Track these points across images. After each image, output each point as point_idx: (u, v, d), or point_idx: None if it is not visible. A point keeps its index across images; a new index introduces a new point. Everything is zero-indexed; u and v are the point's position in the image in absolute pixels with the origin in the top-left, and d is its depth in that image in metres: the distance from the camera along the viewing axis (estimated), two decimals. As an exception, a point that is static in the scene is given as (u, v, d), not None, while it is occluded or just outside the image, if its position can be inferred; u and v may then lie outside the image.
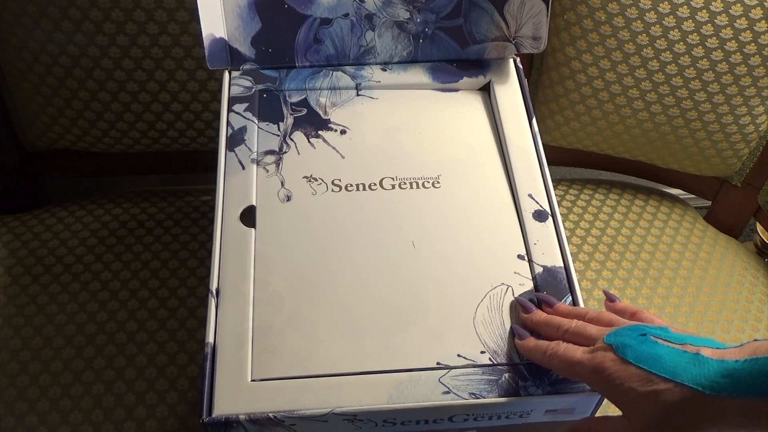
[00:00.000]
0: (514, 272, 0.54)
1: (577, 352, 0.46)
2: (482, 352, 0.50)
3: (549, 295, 0.53)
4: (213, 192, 0.57)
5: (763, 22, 0.74)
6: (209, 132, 0.85)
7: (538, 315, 0.51)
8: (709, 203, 0.95)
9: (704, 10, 0.75)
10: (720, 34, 0.75)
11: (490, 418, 0.50)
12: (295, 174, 0.59)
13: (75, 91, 0.80)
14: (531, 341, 0.50)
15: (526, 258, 0.55)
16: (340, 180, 0.58)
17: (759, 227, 1.01)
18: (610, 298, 0.53)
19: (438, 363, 0.50)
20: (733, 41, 0.75)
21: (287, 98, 0.63)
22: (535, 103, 0.88)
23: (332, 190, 0.58)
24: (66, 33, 0.75)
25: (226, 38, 0.62)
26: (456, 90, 0.65)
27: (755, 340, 0.42)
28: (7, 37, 0.77)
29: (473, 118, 0.64)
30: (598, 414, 0.52)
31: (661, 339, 0.44)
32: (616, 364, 0.44)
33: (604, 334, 0.46)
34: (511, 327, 0.52)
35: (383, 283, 0.53)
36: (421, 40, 0.65)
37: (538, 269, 0.54)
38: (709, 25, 0.75)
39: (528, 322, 0.51)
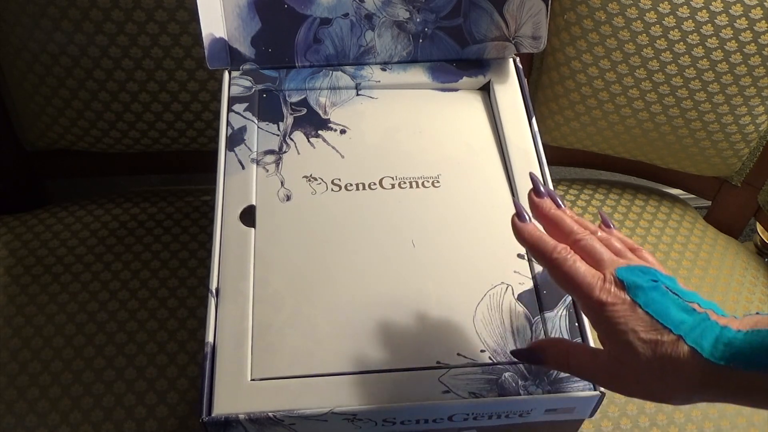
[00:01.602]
0: (514, 271, 0.54)
1: (587, 274, 0.43)
2: (482, 351, 0.50)
3: (556, 194, 0.48)
4: (213, 192, 0.57)
5: (763, 22, 0.74)
6: (209, 132, 0.85)
7: (549, 205, 0.47)
8: (709, 203, 0.95)
9: (704, 10, 0.75)
10: (720, 34, 0.75)
11: (490, 418, 0.50)
12: (294, 174, 0.59)
13: (75, 91, 0.80)
14: (533, 230, 0.45)
15: (525, 257, 0.55)
16: (339, 179, 0.58)
17: (759, 227, 1.01)
18: (605, 223, 0.48)
19: (438, 362, 0.50)
20: (733, 41, 0.75)
21: (287, 98, 0.63)
22: (535, 103, 0.88)
23: (332, 190, 0.58)
24: (66, 33, 0.75)
25: (226, 38, 0.62)
26: (456, 90, 0.65)
27: (757, 313, 0.41)
28: (7, 37, 0.77)
29: (473, 118, 0.64)
30: (597, 413, 0.52)
31: (672, 291, 0.43)
32: (625, 304, 0.42)
33: (616, 265, 0.44)
34: (514, 203, 0.47)
35: (383, 282, 0.53)
36: (420, 40, 0.65)
37: (538, 268, 0.54)
38: (709, 25, 0.75)
39: (535, 207, 0.47)
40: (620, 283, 0.43)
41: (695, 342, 0.40)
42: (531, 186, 0.48)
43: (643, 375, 0.42)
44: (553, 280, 0.45)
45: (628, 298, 0.42)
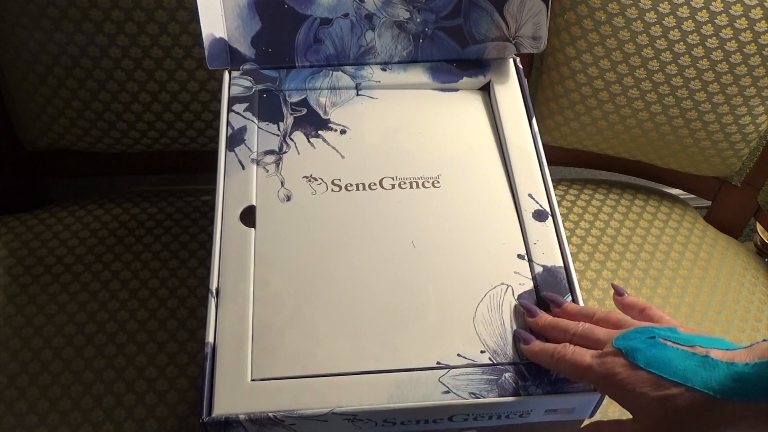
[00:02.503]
0: (514, 272, 0.54)
1: (586, 356, 0.46)
2: (482, 352, 0.50)
3: (556, 295, 0.52)
4: (213, 192, 0.57)
5: (763, 22, 0.74)
6: (209, 132, 0.85)
7: (544, 318, 0.51)
8: (709, 203, 0.95)
9: (704, 10, 0.75)
10: (720, 34, 0.75)
11: (490, 418, 0.50)
12: (295, 174, 0.59)
13: (75, 91, 0.80)
14: (536, 345, 0.49)
15: (526, 258, 0.55)
16: (340, 180, 0.58)
17: (759, 227, 1.01)
18: (618, 292, 0.52)
19: (438, 363, 0.50)
20: (733, 41, 0.75)
21: (287, 98, 0.63)
22: (535, 103, 0.88)
23: (332, 190, 0.58)
24: (66, 33, 0.75)
25: (226, 38, 0.62)
26: (456, 90, 0.65)
27: (764, 340, 0.42)
28: (7, 37, 0.77)
29: (473, 118, 0.64)
30: (597, 414, 0.52)
31: (670, 341, 0.44)
32: (627, 370, 0.44)
33: (613, 337, 0.46)
34: (514, 331, 0.51)
35: (383, 282, 0.53)
36: (421, 40, 0.65)
37: (538, 269, 0.54)
38: (709, 25, 0.75)
39: (533, 326, 0.51)
40: (618, 352, 0.45)
41: (704, 385, 0.41)
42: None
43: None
44: (568, 378, 0.48)
45: (628, 363, 0.44)
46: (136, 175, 0.94)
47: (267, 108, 0.62)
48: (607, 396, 0.49)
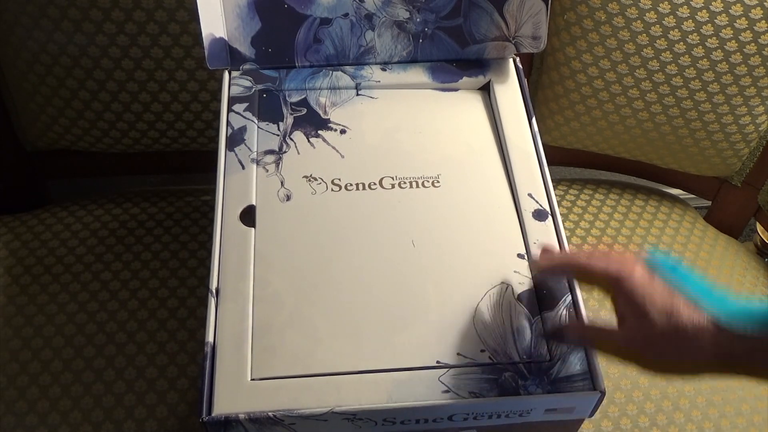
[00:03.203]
0: (514, 271, 0.54)
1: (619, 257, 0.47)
2: (482, 351, 0.50)
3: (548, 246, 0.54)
4: (213, 192, 0.57)
5: (763, 22, 0.74)
6: (209, 132, 0.85)
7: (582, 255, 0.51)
8: (709, 203, 0.95)
9: (704, 10, 0.75)
10: (720, 34, 0.75)
11: (490, 417, 0.50)
12: (294, 173, 0.59)
13: (75, 91, 0.80)
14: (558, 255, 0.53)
15: (525, 257, 0.55)
16: (339, 179, 0.58)
17: (759, 227, 1.00)
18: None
19: (438, 362, 0.50)
20: (733, 41, 0.75)
21: (287, 98, 0.63)
22: (535, 103, 0.88)
23: (332, 190, 0.58)
24: (66, 33, 0.75)
25: (226, 38, 0.62)
26: (456, 90, 0.65)
27: None
28: (7, 37, 0.77)
29: (473, 117, 0.64)
30: (597, 414, 0.52)
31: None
32: (646, 276, 0.45)
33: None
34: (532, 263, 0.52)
35: (383, 282, 0.53)
36: (420, 40, 0.65)
37: (538, 268, 0.54)
38: (709, 25, 0.75)
39: (545, 254, 0.54)
40: (648, 264, 0.46)
41: (713, 311, 0.43)
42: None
43: (658, 344, 0.44)
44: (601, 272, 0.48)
45: (654, 275, 0.45)
46: (136, 175, 0.94)
47: (267, 108, 0.63)
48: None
